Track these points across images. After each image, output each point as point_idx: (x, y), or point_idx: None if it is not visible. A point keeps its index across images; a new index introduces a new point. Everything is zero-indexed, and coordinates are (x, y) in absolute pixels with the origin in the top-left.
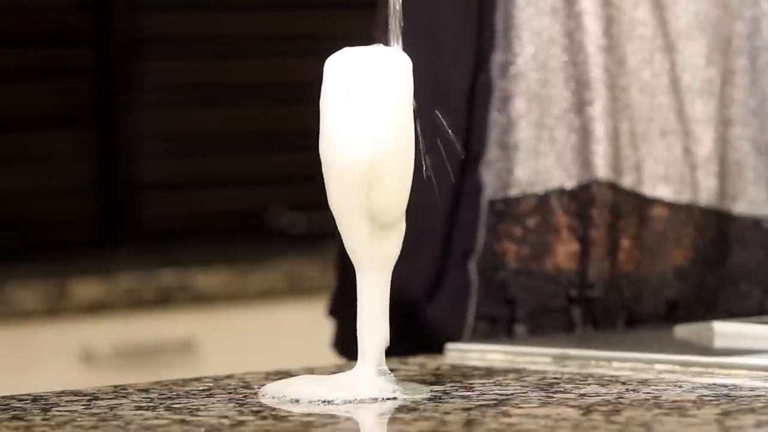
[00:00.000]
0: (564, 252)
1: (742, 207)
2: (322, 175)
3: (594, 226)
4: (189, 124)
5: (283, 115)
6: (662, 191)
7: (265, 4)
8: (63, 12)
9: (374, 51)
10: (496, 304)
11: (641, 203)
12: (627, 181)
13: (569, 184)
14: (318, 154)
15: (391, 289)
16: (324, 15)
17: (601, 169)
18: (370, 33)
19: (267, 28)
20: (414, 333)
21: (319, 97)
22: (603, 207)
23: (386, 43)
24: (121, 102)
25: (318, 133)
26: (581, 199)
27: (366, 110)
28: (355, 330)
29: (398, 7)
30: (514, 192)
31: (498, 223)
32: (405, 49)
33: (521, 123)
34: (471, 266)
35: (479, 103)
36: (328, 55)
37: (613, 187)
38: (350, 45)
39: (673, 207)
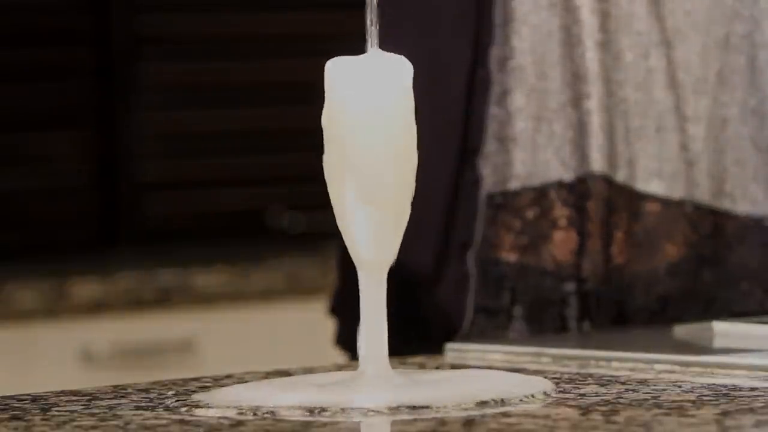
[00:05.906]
0: (562, 245)
1: (742, 206)
2: (322, 174)
3: (589, 220)
4: (189, 124)
5: (283, 115)
6: (655, 187)
7: (265, 5)
8: (63, 12)
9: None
10: (495, 297)
11: (634, 198)
12: (621, 176)
13: (567, 176)
14: (317, 154)
15: (389, 282)
16: (324, 15)
17: (597, 163)
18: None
19: (267, 28)
20: (412, 326)
21: (318, 97)
22: (598, 200)
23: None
24: (121, 102)
25: (318, 132)
26: (578, 191)
27: (369, 110)
28: (358, 327)
29: (374, 5)
30: (512, 185)
31: (496, 216)
32: (403, 44)
33: (519, 116)
34: (469, 259)
35: (477, 96)
36: (328, 55)
37: (608, 180)
38: (350, 45)
39: (665, 203)
